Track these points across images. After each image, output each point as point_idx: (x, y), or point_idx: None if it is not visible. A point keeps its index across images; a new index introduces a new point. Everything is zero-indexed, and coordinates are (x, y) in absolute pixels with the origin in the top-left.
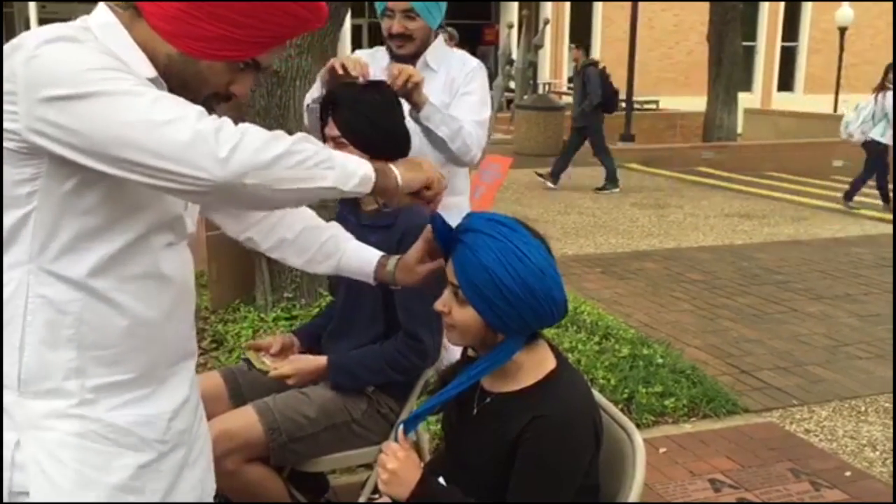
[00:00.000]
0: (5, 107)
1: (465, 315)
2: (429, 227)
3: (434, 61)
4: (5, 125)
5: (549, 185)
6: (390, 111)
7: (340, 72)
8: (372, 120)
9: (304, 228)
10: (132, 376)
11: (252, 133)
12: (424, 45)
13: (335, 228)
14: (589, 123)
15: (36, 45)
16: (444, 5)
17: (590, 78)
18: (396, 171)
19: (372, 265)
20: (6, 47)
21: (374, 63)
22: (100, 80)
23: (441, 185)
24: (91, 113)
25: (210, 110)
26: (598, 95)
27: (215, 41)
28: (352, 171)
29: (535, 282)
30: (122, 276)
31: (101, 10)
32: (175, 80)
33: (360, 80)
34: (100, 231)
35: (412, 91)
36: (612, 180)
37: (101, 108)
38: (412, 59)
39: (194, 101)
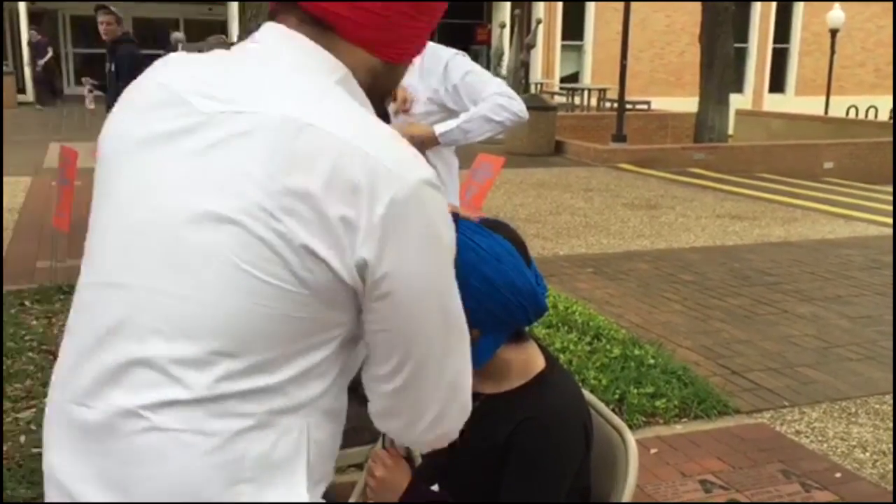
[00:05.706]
0: (337, 225)
1: None
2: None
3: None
4: (325, 255)
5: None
6: None
7: None
8: None
9: None
10: None
11: None
12: None
13: None
14: None
15: (421, 181)
16: None
17: None
18: None
19: None
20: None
21: None
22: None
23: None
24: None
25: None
26: None
27: (417, 38)
28: None
29: (490, 270)
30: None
31: (300, 43)
32: (376, 96)
33: None
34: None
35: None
36: None
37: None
38: None
39: (381, 107)
